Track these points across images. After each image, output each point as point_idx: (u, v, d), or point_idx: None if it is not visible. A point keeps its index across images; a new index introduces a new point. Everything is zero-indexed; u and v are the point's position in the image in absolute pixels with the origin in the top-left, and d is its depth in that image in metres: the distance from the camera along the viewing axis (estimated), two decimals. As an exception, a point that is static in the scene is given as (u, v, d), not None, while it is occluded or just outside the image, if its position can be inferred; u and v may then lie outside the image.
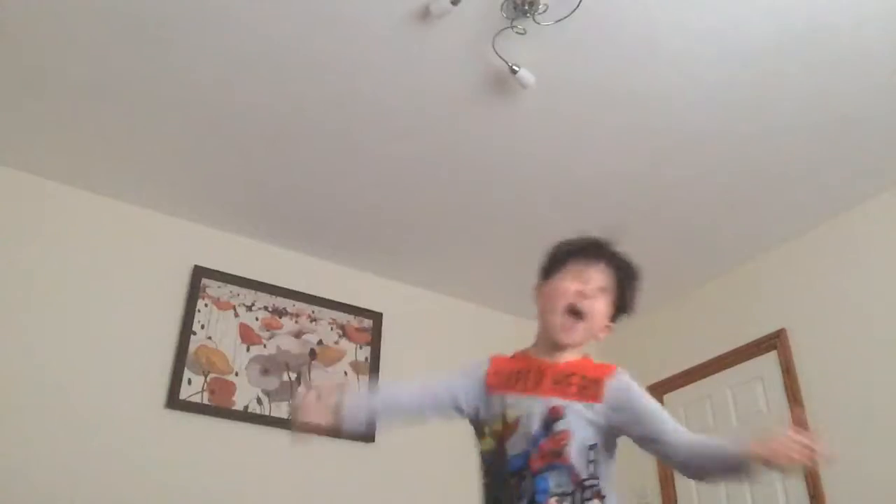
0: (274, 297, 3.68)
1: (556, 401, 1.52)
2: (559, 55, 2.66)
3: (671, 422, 1.53)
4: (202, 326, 3.42)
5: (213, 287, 3.53)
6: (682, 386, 4.06)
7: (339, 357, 3.75)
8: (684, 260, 3.90)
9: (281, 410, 3.45)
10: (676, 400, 4.09)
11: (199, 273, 3.51)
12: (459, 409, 1.64)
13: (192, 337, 3.37)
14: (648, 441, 1.53)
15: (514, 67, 2.60)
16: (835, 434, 3.31)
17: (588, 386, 1.55)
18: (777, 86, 2.80)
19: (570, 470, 1.48)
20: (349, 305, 3.88)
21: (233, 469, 3.21)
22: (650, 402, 1.58)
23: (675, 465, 1.55)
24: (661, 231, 3.65)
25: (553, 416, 1.51)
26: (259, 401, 3.42)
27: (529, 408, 1.53)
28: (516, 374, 1.60)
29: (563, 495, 1.46)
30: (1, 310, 3.03)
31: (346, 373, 3.71)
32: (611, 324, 1.70)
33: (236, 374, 3.43)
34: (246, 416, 3.35)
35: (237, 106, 2.91)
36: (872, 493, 3.05)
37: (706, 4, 2.47)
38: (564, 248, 1.76)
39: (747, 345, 3.75)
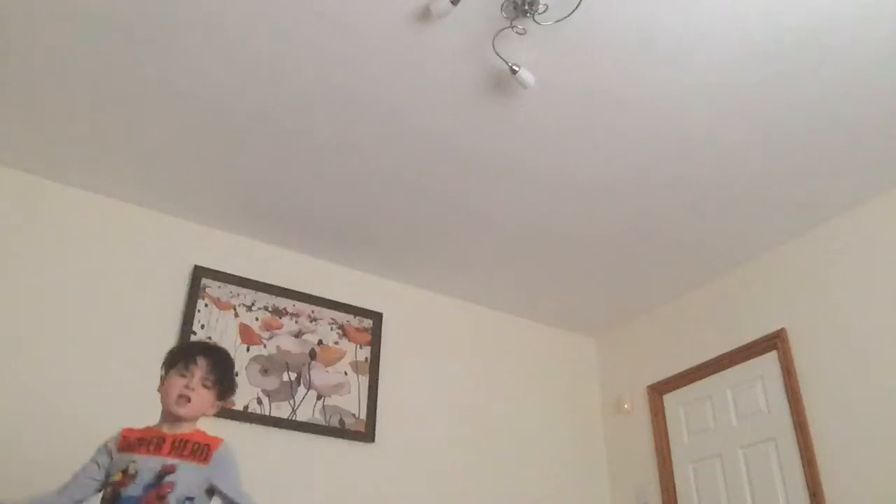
0: (274, 297, 3.68)
1: (171, 460, 2.00)
2: (559, 55, 2.66)
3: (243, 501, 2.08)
4: (202, 326, 3.42)
5: (213, 287, 3.53)
6: (682, 386, 4.07)
7: (339, 357, 3.75)
8: (684, 260, 3.90)
9: (281, 410, 3.45)
10: (676, 400, 4.09)
11: (199, 273, 3.51)
12: (103, 478, 2.05)
13: (192, 337, 3.36)
14: None
15: (514, 67, 2.60)
16: (835, 434, 3.33)
17: (199, 451, 2.05)
18: (776, 87, 2.80)
19: None
20: (349, 305, 3.88)
21: (233, 469, 3.21)
22: (237, 478, 2.12)
23: None
24: (661, 231, 3.65)
25: (165, 471, 1.98)
26: (259, 401, 3.42)
27: (147, 464, 1.99)
28: (141, 440, 2.06)
29: None
30: (0, 309, 3.03)
31: (345, 373, 3.72)
32: (220, 402, 2.21)
33: (236, 374, 3.42)
34: (246, 416, 3.35)
35: (237, 106, 2.91)
36: (872, 493, 3.05)
37: (706, 6, 2.47)
38: (174, 352, 2.25)
39: (747, 345, 3.75)
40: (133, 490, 1.94)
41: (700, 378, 3.97)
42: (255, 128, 3.02)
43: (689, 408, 4.01)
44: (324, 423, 3.53)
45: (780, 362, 3.58)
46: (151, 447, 2.04)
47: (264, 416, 3.40)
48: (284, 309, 3.69)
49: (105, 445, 2.11)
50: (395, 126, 3.01)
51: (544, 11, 2.42)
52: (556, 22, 2.45)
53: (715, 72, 2.74)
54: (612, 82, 2.78)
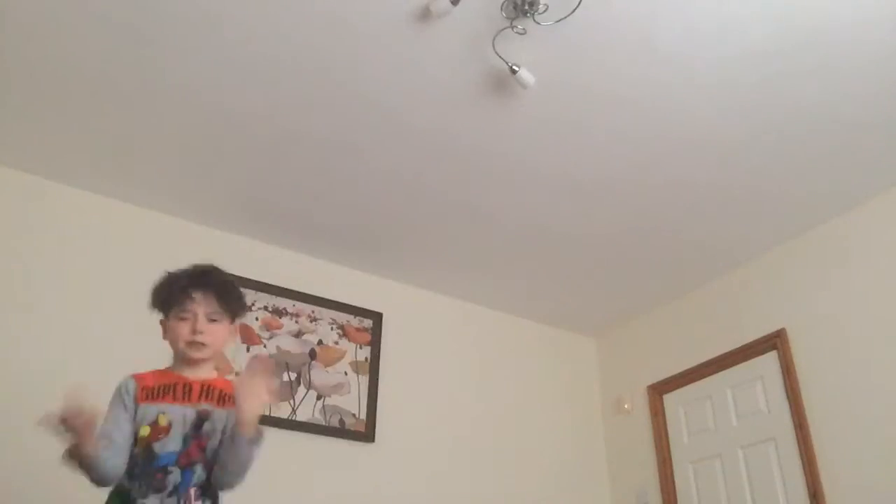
0: (274, 297, 3.68)
1: (205, 406, 1.84)
2: (559, 55, 2.66)
3: None
4: (202, 326, 3.42)
5: (213, 287, 3.53)
6: (682, 386, 4.07)
7: (339, 357, 3.75)
8: (684, 260, 3.90)
9: (281, 410, 3.45)
10: (676, 400, 4.09)
11: (199, 273, 3.51)
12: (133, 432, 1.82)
13: (193, 337, 3.37)
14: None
15: (514, 67, 2.60)
16: (835, 434, 3.32)
17: (227, 398, 1.87)
18: (776, 87, 2.80)
19: (207, 465, 1.81)
20: (349, 305, 3.88)
21: (233, 469, 3.21)
22: None
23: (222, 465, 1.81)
24: (660, 231, 3.65)
25: (201, 419, 1.82)
26: (259, 401, 3.42)
27: (180, 412, 1.81)
28: (166, 387, 1.86)
29: (199, 485, 1.79)
30: (0, 309, 3.03)
31: (345, 373, 3.71)
32: (234, 325, 2.05)
33: (236, 374, 3.42)
34: (246, 416, 3.35)
35: (237, 106, 2.91)
36: (872, 493, 3.05)
37: (706, 7, 2.47)
38: (162, 291, 2.03)
39: (747, 345, 3.75)
40: (170, 444, 1.77)
41: (700, 378, 3.97)
42: (254, 128, 3.02)
43: (689, 408, 4.01)
44: (324, 423, 3.53)
45: (780, 362, 3.58)
46: (180, 394, 1.84)
47: (264, 416, 3.38)
48: (284, 309, 3.69)
49: (122, 401, 1.85)
50: (395, 126, 3.01)
51: (544, 11, 2.42)
52: (556, 22, 2.45)
53: (715, 72, 2.73)
54: (612, 82, 2.78)
